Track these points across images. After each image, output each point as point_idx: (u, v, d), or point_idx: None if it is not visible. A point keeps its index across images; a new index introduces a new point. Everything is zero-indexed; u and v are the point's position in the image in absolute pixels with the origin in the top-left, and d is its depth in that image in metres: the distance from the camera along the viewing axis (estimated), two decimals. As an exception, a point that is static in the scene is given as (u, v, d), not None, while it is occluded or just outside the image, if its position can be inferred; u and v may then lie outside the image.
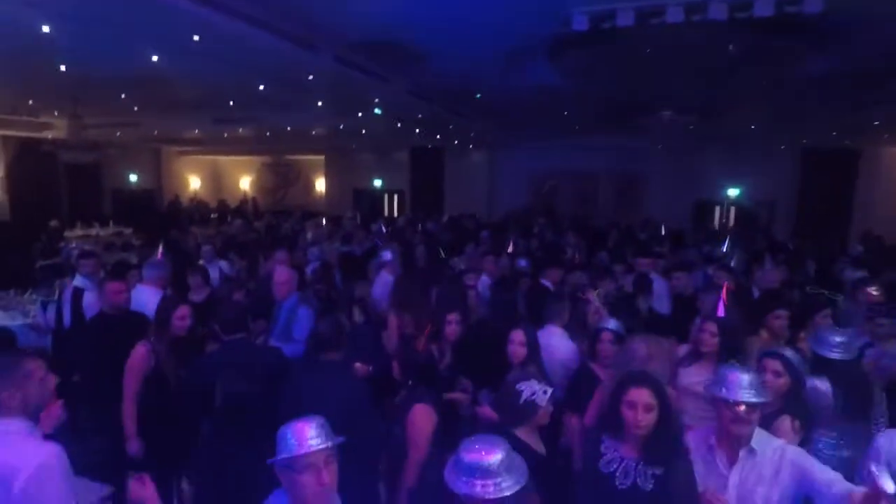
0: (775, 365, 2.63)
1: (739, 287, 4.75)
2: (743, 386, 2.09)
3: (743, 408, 2.08)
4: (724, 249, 7.74)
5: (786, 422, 2.48)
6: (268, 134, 14.09)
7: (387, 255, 5.49)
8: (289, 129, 12.92)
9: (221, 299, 4.58)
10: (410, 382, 2.81)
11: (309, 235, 8.89)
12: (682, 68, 6.48)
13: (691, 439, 2.31)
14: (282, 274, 4.29)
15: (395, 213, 17.31)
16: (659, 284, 5.16)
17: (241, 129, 13.27)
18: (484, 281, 5.29)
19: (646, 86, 7.66)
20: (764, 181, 13.68)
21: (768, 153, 13.41)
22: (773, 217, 13.97)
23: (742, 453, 2.14)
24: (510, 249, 6.90)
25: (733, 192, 14.23)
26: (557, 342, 3.56)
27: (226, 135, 14.21)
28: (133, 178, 17.59)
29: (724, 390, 2.12)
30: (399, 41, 5.82)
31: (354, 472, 1.98)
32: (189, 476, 2.96)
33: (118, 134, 14.20)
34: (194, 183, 20.58)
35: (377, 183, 18.24)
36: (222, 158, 20.94)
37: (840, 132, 11.46)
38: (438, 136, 14.22)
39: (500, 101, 9.20)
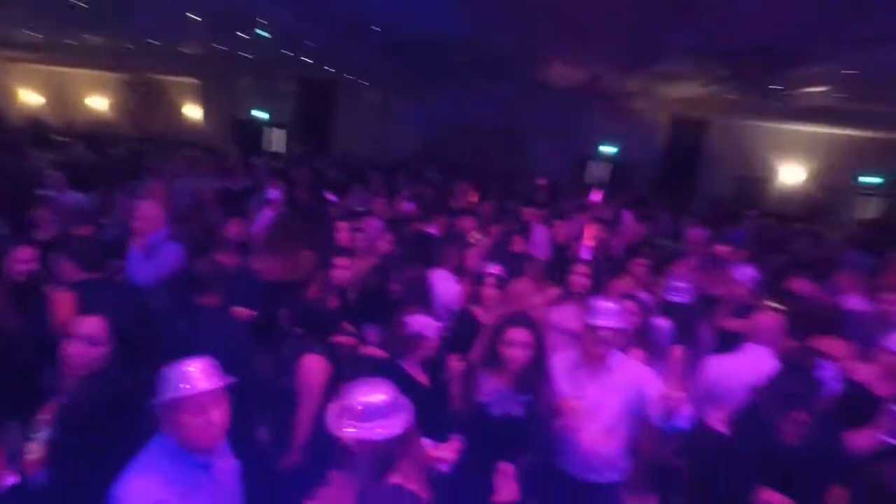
0: (632, 306, 3.02)
1: (607, 238, 5.23)
2: (605, 313, 2.45)
3: (604, 332, 2.41)
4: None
5: (636, 353, 2.92)
6: (130, 47, 12.21)
7: (273, 193, 5.17)
8: (154, 43, 11.30)
9: (73, 235, 4.02)
10: (301, 331, 2.73)
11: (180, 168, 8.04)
12: (572, 22, 6.67)
13: (558, 360, 2.58)
14: (149, 209, 3.86)
15: (278, 149, 16.25)
16: (540, 232, 5.50)
17: (91, 37, 11.33)
18: (374, 224, 5.23)
19: (538, 38, 7.81)
20: (634, 142, 14.91)
21: (641, 116, 14.54)
22: (640, 175, 15.37)
23: (600, 370, 2.48)
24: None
25: (609, 150, 15.34)
26: (444, 285, 3.67)
27: (72, 42, 12.06)
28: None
29: (590, 316, 2.46)
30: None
31: (236, 422, 1.91)
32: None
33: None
34: (32, 99, 17.39)
35: (260, 114, 16.82)
36: (70, 71, 17.80)
37: (698, 104, 12.77)
38: (331, 70, 13.38)
39: (398, 37, 8.83)
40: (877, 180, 13.93)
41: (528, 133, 15.25)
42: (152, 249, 3.71)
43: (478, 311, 3.40)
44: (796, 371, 2.51)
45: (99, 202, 5.68)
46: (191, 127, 17.66)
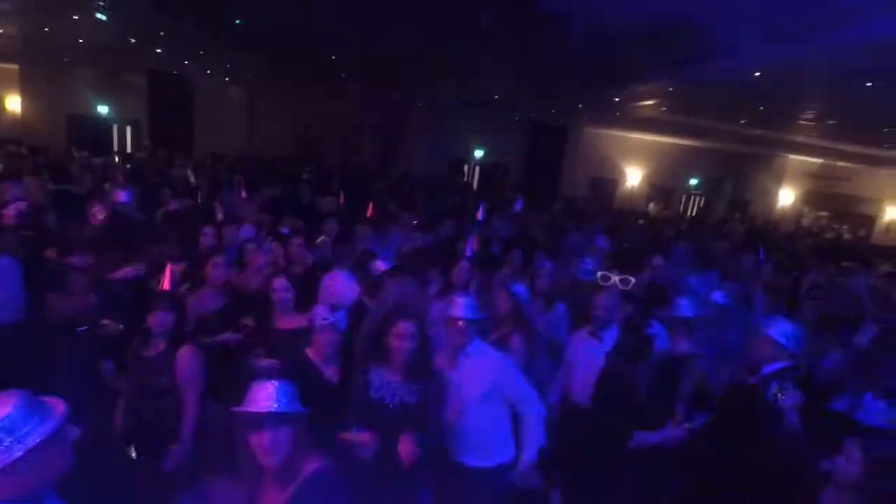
0: (506, 295, 3.26)
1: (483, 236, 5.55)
2: (463, 306, 2.66)
3: (461, 323, 2.61)
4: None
5: (515, 339, 3.16)
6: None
7: (124, 197, 4.66)
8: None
9: None
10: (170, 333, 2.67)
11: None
12: (443, 30, 6.96)
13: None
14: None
15: (130, 148, 14.58)
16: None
17: None
18: (246, 230, 4.98)
19: (404, 42, 7.99)
20: (502, 146, 15.88)
21: (507, 122, 15.51)
22: (507, 177, 16.39)
23: (461, 358, 2.67)
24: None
25: (479, 153, 16.15)
26: (341, 284, 3.68)
27: None
28: None
29: (451, 309, 2.67)
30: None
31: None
32: None
33: None
34: None
35: (103, 109, 14.88)
36: None
37: (556, 111, 13.99)
38: (186, 62, 12.32)
39: (262, 31, 8.43)
40: (694, 182, 16.48)
41: (406, 133, 15.48)
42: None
43: (370, 303, 3.43)
44: (634, 332, 2.91)
45: None
46: (9, 120, 15.07)
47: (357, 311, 3.39)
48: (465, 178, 16.37)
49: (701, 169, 16.27)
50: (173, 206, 5.30)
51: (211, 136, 14.21)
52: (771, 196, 16.54)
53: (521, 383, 2.70)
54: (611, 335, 3.27)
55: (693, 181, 16.58)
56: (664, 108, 11.61)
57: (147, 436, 2.63)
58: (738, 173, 16.30)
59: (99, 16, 7.61)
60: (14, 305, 3.32)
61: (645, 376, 2.75)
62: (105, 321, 2.97)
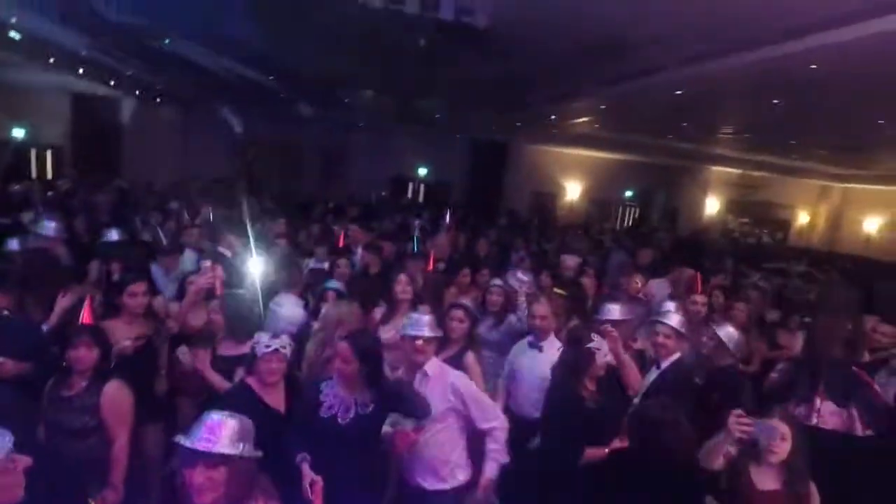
0: (459, 313, 3.28)
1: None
2: (420, 325, 2.67)
3: (420, 341, 2.62)
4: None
5: (469, 356, 3.21)
6: None
7: (49, 228, 4.32)
8: None
9: None
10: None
11: None
12: (380, 52, 7.01)
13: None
14: None
15: (50, 175, 13.62)
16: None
17: None
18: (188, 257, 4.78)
19: (344, 63, 7.99)
20: (445, 163, 16.05)
21: (448, 140, 15.74)
22: (451, 194, 16.56)
23: (419, 376, 2.67)
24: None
25: (422, 171, 16.24)
26: (288, 309, 3.58)
27: None
28: None
29: (407, 329, 2.67)
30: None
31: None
32: None
33: None
34: None
35: (18, 132, 13.83)
36: None
37: (497, 128, 14.33)
38: (112, 83, 11.72)
39: (194, 53, 8.18)
40: (629, 194, 17.31)
41: (347, 152, 15.35)
42: None
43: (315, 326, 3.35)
44: (576, 345, 2.97)
45: None
46: None
47: (303, 334, 3.32)
48: (409, 197, 16.40)
49: (635, 181, 17.10)
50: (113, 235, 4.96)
51: (139, 160, 13.52)
52: (698, 205, 17.63)
53: (482, 400, 2.71)
54: (551, 344, 3.34)
55: (628, 193, 17.38)
56: (597, 125, 12.16)
57: (70, 482, 2.42)
58: (668, 185, 17.25)
59: (12, 34, 7.14)
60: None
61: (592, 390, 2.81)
62: (3, 360, 2.68)
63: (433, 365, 2.70)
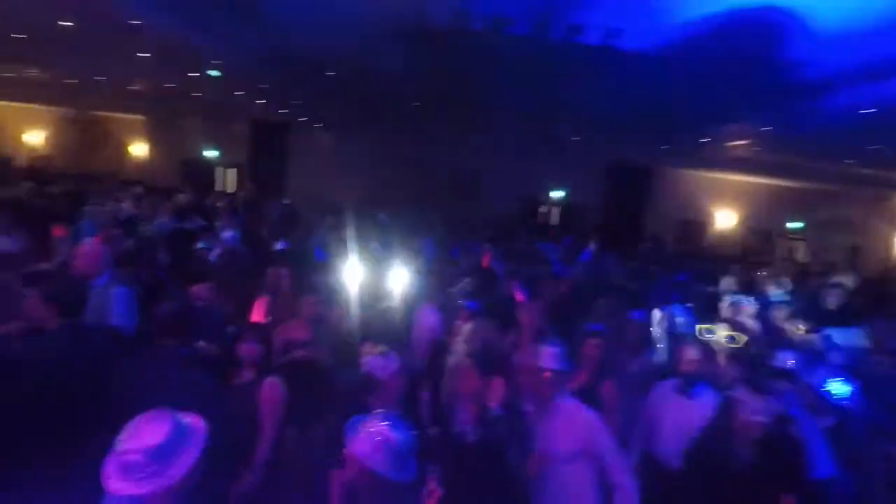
0: (595, 341, 3.16)
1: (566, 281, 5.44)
2: (549, 356, 2.53)
3: (548, 373, 2.48)
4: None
5: (607, 386, 3.09)
6: (71, 82, 11.84)
7: (231, 236, 5.07)
8: (100, 79, 11.02)
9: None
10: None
11: (125, 206, 7.76)
12: (521, 76, 7.08)
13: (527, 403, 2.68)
14: (91, 250, 3.71)
15: (230, 189, 15.93)
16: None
17: (33, 71, 10.95)
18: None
19: (488, 86, 8.18)
20: (580, 186, 15.62)
21: (585, 162, 15.32)
22: (586, 219, 16.02)
23: (545, 410, 2.54)
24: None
25: (556, 194, 15.97)
26: (428, 319, 3.76)
27: (9, 74, 11.59)
28: None
29: (536, 360, 2.54)
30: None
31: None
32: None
33: None
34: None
35: (210, 154, 16.49)
36: (9, 105, 16.96)
37: (641, 152, 13.60)
38: (284, 111, 13.42)
39: (352, 82, 9.02)
40: (799, 225, 15.17)
41: (479, 174, 15.68)
42: (95, 293, 3.53)
43: (453, 343, 3.45)
44: (730, 398, 2.62)
45: (27, 244, 5.32)
46: (136, 165, 17.11)
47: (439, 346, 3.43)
48: (541, 220, 16.21)
49: (801, 210, 15.01)
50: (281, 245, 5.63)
51: (303, 179, 15.16)
52: (887, 240, 14.88)
53: (614, 449, 2.50)
54: (701, 393, 3.02)
55: (795, 224, 15.30)
56: (758, 148, 10.94)
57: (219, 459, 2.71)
58: (846, 215, 14.87)
59: (212, 73, 8.54)
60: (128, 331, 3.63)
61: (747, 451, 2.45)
62: (201, 343, 3.14)
63: (563, 400, 2.57)
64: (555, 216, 16.43)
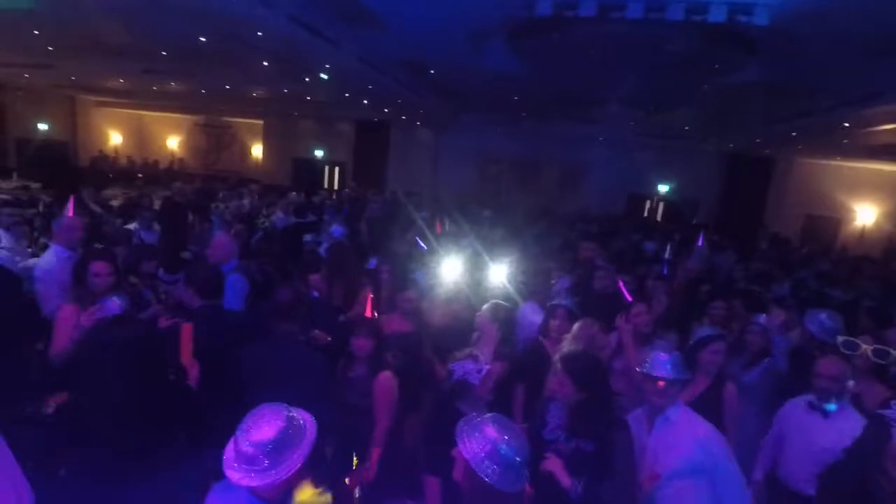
0: (717, 346, 2.97)
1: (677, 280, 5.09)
2: (664, 364, 2.34)
3: (661, 383, 2.30)
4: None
5: (729, 389, 2.91)
6: (203, 91, 13.18)
7: (337, 231, 5.34)
8: (227, 88, 12.15)
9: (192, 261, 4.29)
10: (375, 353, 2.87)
11: (246, 202, 8.48)
12: (632, 64, 6.70)
13: (633, 413, 2.54)
14: (223, 240, 4.08)
15: (336, 186, 16.85)
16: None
17: (173, 84, 12.33)
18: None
19: (596, 77, 7.85)
20: (690, 180, 14.55)
21: (697, 154, 14.24)
22: (696, 214, 14.91)
23: (658, 421, 2.36)
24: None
25: (663, 188, 15.03)
26: (531, 316, 3.75)
27: (154, 88, 13.15)
28: (42, 126, 15.91)
29: (648, 368, 2.36)
30: (358, 2, 5.56)
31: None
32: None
33: (26, 76, 12.76)
34: (115, 138, 18.97)
35: (318, 153, 17.58)
36: (148, 114, 19.37)
37: (761, 141, 12.37)
38: (386, 110, 13.90)
39: (454, 79, 9.12)
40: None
41: (583, 168, 15.20)
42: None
43: (548, 343, 3.34)
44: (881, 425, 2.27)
45: (169, 235, 5.99)
46: (253, 165, 18.71)
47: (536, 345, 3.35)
48: (646, 215, 15.34)
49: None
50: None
51: (402, 175, 15.65)
52: None
53: (732, 467, 2.27)
54: (841, 412, 2.65)
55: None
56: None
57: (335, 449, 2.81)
58: None
59: (323, 76, 9.03)
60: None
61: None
62: (316, 332, 3.28)
63: (677, 412, 2.37)
64: (661, 212, 15.47)
